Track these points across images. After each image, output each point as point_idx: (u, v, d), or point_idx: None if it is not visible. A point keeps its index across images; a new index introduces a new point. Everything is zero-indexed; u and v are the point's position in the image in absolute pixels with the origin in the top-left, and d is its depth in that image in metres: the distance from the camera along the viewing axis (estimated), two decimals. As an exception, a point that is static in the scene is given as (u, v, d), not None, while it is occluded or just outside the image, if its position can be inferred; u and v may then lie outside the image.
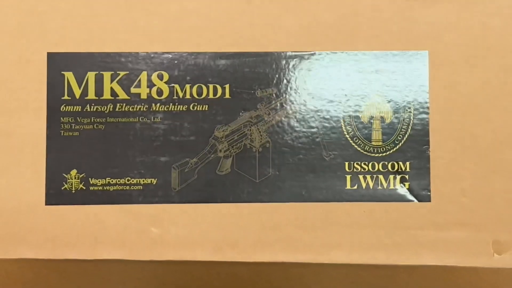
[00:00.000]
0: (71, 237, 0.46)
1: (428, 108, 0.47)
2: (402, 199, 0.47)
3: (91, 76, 0.47)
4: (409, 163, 0.47)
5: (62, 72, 0.47)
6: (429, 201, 0.47)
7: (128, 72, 0.47)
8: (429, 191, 0.47)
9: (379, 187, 0.47)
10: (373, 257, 0.46)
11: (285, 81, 0.47)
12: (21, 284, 0.47)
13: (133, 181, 0.47)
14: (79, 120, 0.47)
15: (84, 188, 0.47)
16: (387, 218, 0.47)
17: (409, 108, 0.47)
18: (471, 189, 0.47)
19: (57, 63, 0.47)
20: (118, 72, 0.47)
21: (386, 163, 0.47)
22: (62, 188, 0.47)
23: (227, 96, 0.47)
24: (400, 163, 0.47)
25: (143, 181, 0.47)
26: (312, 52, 0.47)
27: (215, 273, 0.47)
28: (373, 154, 0.47)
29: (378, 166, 0.47)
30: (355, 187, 0.47)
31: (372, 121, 0.47)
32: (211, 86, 0.47)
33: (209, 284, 0.47)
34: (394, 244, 0.46)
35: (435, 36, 0.47)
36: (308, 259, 0.46)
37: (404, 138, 0.47)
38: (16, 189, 0.46)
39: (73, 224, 0.46)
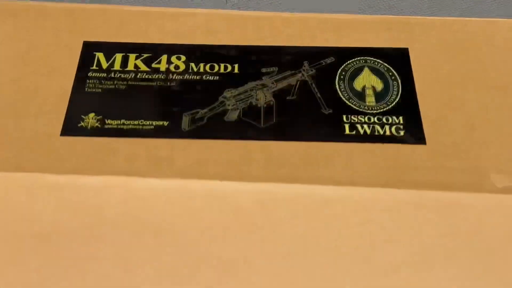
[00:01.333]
0: (82, 162, 0.48)
1: (413, 79, 0.54)
2: (399, 142, 0.50)
3: (118, 56, 0.55)
4: (402, 117, 0.51)
5: (94, 53, 0.55)
6: (425, 144, 0.50)
7: (151, 54, 0.55)
8: (424, 138, 0.50)
9: (376, 134, 0.50)
10: (373, 192, 0.47)
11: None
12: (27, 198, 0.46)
13: (146, 122, 0.50)
14: (103, 82, 0.53)
15: (100, 126, 0.50)
16: (386, 158, 0.49)
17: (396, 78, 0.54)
18: (461, 137, 0.50)
19: (90, 47, 0.55)
20: (142, 54, 0.55)
21: (381, 117, 0.51)
22: (79, 125, 0.50)
23: (236, 71, 0.54)
24: (394, 117, 0.51)
25: (155, 123, 0.50)
26: (309, 46, 0.56)
27: (220, 199, 0.46)
28: (368, 111, 0.52)
29: (374, 119, 0.51)
30: (353, 132, 0.50)
31: (365, 89, 0.53)
32: (222, 64, 0.55)
33: (213, 210, 0.46)
34: (394, 181, 0.47)
35: (412, 38, 0.57)
36: (311, 193, 0.47)
37: (395, 102, 0.52)
38: (35, 124, 0.50)
39: (86, 152, 0.48)
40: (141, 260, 0.46)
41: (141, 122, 0.50)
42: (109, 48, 0.55)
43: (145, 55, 0.55)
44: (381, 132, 0.50)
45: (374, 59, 0.55)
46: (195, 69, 0.54)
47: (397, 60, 0.55)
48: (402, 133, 0.50)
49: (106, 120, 0.50)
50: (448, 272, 0.46)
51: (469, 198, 0.46)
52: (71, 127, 0.50)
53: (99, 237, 0.46)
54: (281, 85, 0.53)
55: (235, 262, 0.46)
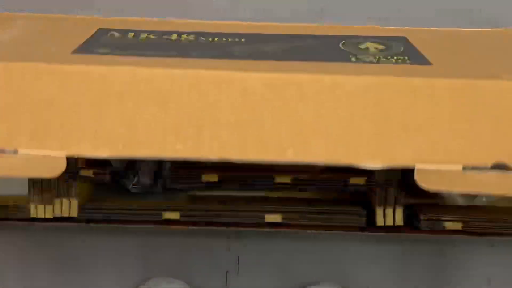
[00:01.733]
0: (89, 63, 0.48)
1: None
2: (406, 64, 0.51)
3: (131, 33, 0.58)
4: (407, 56, 0.53)
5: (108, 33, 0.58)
6: (430, 64, 0.51)
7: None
8: (430, 63, 0.51)
9: (382, 62, 0.51)
10: (386, 79, 0.46)
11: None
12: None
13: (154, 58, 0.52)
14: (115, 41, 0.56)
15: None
16: (395, 69, 0.49)
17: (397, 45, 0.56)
18: (468, 64, 0.51)
19: (104, 30, 0.59)
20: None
21: (386, 55, 0.53)
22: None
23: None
24: (399, 56, 0.53)
25: (166, 53, 0.52)
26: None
27: (228, 82, 0.45)
28: (373, 55, 0.53)
29: (379, 57, 0.53)
30: (360, 62, 0.51)
31: (368, 48, 0.56)
32: (230, 39, 0.58)
33: (220, 89, 0.45)
34: (406, 75, 0.47)
35: (409, 34, 0.61)
36: (321, 79, 0.46)
37: (398, 52, 0.54)
38: (44, 50, 0.51)
39: (94, 60, 0.49)
40: (145, 121, 0.43)
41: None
42: (122, 30, 0.58)
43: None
44: (387, 62, 0.51)
45: (374, 39, 0.58)
46: (204, 40, 0.56)
47: (396, 40, 0.58)
48: (408, 62, 0.51)
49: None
50: (470, 134, 0.43)
51: (485, 83, 0.45)
52: (81, 51, 0.51)
53: (102, 106, 0.43)
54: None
55: (244, 123, 0.43)
